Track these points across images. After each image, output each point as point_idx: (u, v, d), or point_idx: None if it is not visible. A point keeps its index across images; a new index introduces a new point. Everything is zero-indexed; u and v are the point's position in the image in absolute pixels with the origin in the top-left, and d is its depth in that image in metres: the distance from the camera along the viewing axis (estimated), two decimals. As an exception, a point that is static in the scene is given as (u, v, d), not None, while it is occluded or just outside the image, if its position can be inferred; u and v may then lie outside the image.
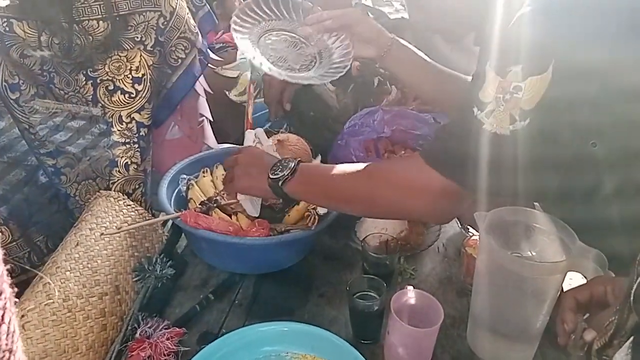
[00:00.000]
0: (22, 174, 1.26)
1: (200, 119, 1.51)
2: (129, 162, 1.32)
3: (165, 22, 1.27)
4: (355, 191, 0.90)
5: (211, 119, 1.54)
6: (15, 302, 0.87)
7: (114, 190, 1.29)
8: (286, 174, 0.93)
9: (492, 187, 0.76)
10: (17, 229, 1.25)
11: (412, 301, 0.90)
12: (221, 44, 1.87)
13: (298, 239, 1.03)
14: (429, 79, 1.12)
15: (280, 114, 1.36)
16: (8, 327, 0.34)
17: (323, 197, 0.97)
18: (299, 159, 0.97)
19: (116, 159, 1.30)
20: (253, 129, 1.21)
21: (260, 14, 1.18)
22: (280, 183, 0.93)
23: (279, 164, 0.96)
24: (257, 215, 1.05)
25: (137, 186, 1.34)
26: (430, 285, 1.09)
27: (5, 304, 0.34)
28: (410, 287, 0.92)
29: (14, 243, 1.25)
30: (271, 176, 0.95)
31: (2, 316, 0.33)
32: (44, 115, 1.23)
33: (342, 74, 1.11)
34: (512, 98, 0.71)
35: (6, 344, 0.34)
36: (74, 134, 1.28)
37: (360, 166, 0.91)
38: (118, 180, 1.31)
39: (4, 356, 0.34)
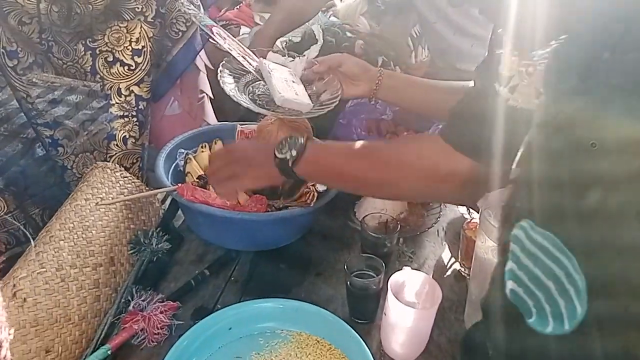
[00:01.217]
0: (18, 146, 1.24)
1: (201, 96, 1.49)
2: (127, 136, 1.30)
3: (167, -7, 1.25)
4: (375, 175, 0.85)
5: (212, 96, 1.52)
6: (8, 271, 0.86)
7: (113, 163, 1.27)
8: (296, 153, 0.86)
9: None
10: (12, 201, 1.24)
11: (411, 282, 0.89)
12: (224, 22, 1.85)
13: (296, 216, 1.01)
14: (419, 94, 1.11)
15: None
16: None
17: (338, 180, 0.91)
18: (307, 135, 0.91)
19: (114, 133, 1.28)
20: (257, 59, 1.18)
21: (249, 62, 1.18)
22: (290, 163, 0.86)
23: (285, 142, 0.87)
24: None
25: (134, 160, 1.33)
26: (428, 268, 1.08)
27: None
28: (407, 268, 0.91)
29: (10, 215, 1.24)
30: (278, 155, 0.87)
31: None
32: (42, 89, 1.21)
33: (330, 108, 1.09)
34: (536, 71, 0.67)
35: None
36: (72, 108, 1.26)
37: (377, 147, 0.87)
38: (116, 154, 1.30)
39: None
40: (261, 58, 1.17)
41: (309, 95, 1.12)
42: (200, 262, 1.05)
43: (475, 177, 0.77)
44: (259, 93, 1.13)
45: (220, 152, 0.99)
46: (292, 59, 1.21)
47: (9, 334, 0.37)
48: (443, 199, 0.94)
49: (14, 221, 1.25)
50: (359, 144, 0.88)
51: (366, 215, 1.07)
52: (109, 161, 1.28)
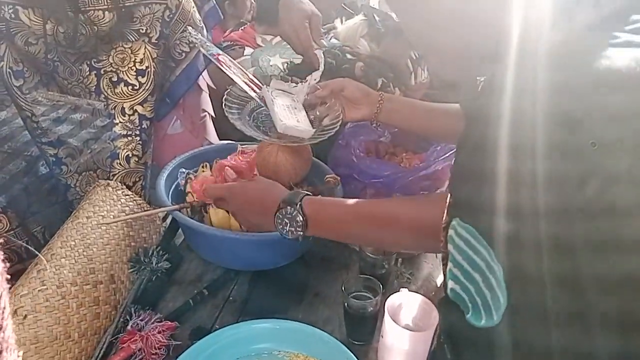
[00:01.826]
0: (22, 164, 1.26)
1: (203, 115, 1.51)
2: (130, 155, 1.32)
3: (171, 15, 1.27)
4: (383, 239, 0.88)
5: (214, 115, 1.54)
6: (10, 288, 0.87)
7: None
8: (300, 232, 0.88)
9: None
10: (15, 218, 1.25)
11: (408, 304, 0.89)
12: (229, 42, 1.87)
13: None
14: (419, 116, 1.14)
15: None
16: None
17: (343, 239, 0.98)
18: (298, 202, 0.87)
19: (117, 151, 1.30)
20: (261, 86, 1.20)
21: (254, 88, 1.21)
22: (299, 240, 0.89)
23: (281, 216, 0.88)
24: None
25: (137, 179, 1.34)
26: (426, 290, 1.08)
27: None
28: (404, 290, 0.91)
29: (12, 232, 1.25)
30: (283, 234, 0.89)
31: None
32: (46, 107, 1.23)
33: (331, 134, 1.12)
34: None
35: None
36: (76, 127, 1.27)
37: (380, 209, 0.87)
38: (119, 172, 1.31)
39: None
40: (265, 85, 1.20)
41: (311, 121, 1.15)
42: (199, 282, 1.06)
43: None
44: (263, 119, 1.16)
45: (218, 193, 0.99)
46: (295, 84, 1.23)
47: (18, 356, 0.38)
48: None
49: (15, 239, 1.26)
50: (363, 205, 0.89)
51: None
52: (111, 179, 1.29)
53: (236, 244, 1.00)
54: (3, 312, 0.34)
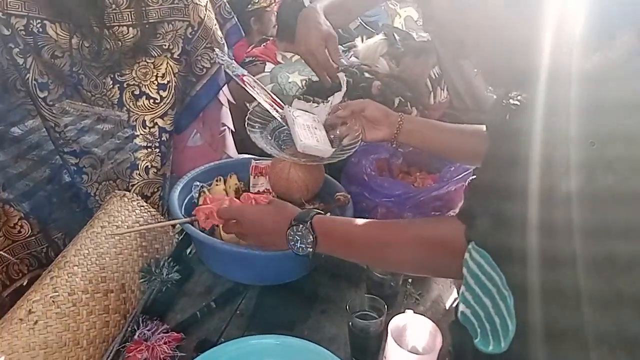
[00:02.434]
0: (46, 172, 1.31)
1: (222, 128, 1.53)
2: (150, 166, 1.35)
3: (193, 32, 1.31)
4: (389, 258, 0.89)
5: (233, 129, 1.56)
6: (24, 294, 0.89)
7: (133, 192, 1.32)
8: (310, 249, 0.91)
9: None
10: (37, 224, 1.29)
11: (412, 326, 0.89)
12: (251, 58, 1.91)
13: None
14: (438, 137, 1.14)
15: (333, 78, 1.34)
16: None
17: (355, 259, 0.99)
18: (309, 220, 0.90)
19: (137, 162, 1.33)
20: (283, 106, 1.23)
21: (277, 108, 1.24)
22: (309, 256, 0.92)
23: (292, 233, 0.91)
24: None
25: (155, 190, 1.37)
26: (434, 312, 1.07)
27: None
28: (410, 311, 0.91)
29: (33, 238, 1.29)
30: (294, 251, 0.92)
31: None
32: (73, 117, 1.27)
33: (350, 154, 1.15)
34: None
35: None
36: (101, 137, 1.32)
37: (390, 228, 0.89)
38: (138, 182, 1.35)
39: None
40: (287, 105, 1.22)
41: (331, 140, 1.17)
42: (208, 294, 1.07)
43: None
44: (284, 138, 1.19)
45: (230, 214, 1.00)
46: (316, 105, 1.26)
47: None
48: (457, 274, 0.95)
49: (37, 244, 1.30)
50: (373, 224, 0.90)
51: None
52: (130, 189, 1.33)
53: (245, 258, 1.01)
54: None
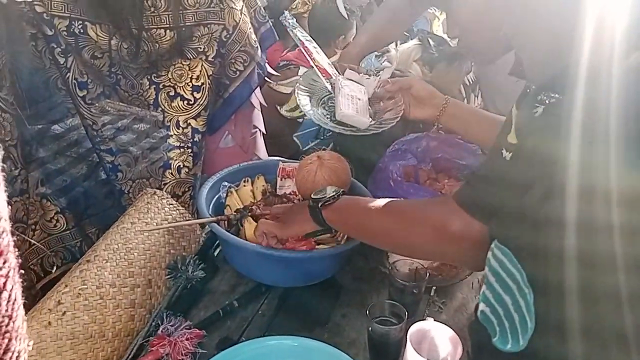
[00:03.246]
0: (84, 169, 1.35)
1: (254, 130, 1.55)
2: (182, 166, 1.38)
3: (228, 35, 1.33)
4: (389, 231, 0.89)
5: (264, 131, 1.58)
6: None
7: (165, 191, 1.35)
8: (327, 197, 0.94)
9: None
10: (72, 219, 1.34)
11: (432, 334, 0.88)
12: (285, 62, 1.93)
13: (327, 255, 1.03)
14: (482, 128, 1.13)
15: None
16: (10, 294, 0.35)
17: (356, 230, 0.97)
18: (343, 189, 0.98)
19: (170, 162, 1.37)
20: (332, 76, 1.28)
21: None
22: (319, 204, 0.94)
23: (323, 189, 0.97)
24: None
25: (186, 189, 1.40)
26: (457, 321, 1.06)
27: (8, 272, 0.35)
28: (430, 319, 0.90)
29: (68, 232, 1.34)
30: (313, 196, 0.96)
31: (5, 283, 0.35)
32: (113, 116, 1.31)
33: (385, 128, 1.19)
34: None
35: (6, 310, 0.35)
36: (136, 136, 1.35)
37: (395, 204, 0.90)
38: (170, 181, 1.38)
39: (2, 321, 0.35)
40: (338, 74, 1.28)
41: (374, 113, 1.23)
42: (232, 293, 1.08)
43: (485, 240, 0.73)
44: (330, 106, 1.25)
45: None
46: (368, 77, 1.30)
47: (28, 345, 0.41)
48: (454, 260, 0.96)
49: (71, 238, 1.35)
50: (383, 201, 0.90)
51: (397, 261, 1.07)
52: (162, 188, 1.36)
53: (269, 258, 1.02)
54: (14, 304, 0.37)
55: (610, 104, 0.48)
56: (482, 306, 0.62)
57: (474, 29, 0.76)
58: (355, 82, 1.28)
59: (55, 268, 1.32)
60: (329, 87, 1.26)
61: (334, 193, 0.95)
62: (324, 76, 1.28)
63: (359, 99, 1.22)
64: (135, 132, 1.36)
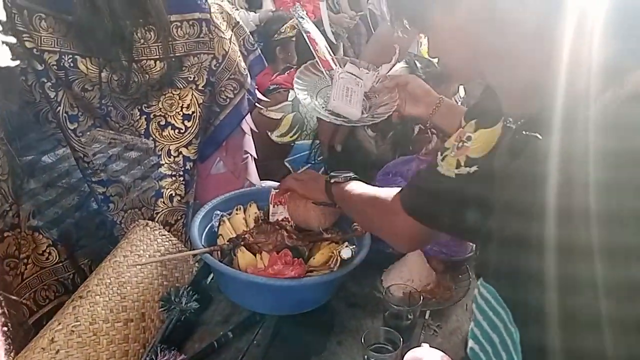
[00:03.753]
0: (75, 199, 1.35)
1: (245, 156, 1.56)
2: (174, 194, 1.38)
3: (217, 64, 1.35)
4: (362, 220, 1.08)
5: (256, 156, 1.59)
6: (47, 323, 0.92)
7: (157, 220, 1.35)
8: (339, 178, 1.08)
9: (448, 224, 0.84)
10: (64, 251, 1.33)
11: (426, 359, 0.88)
12: (275, 85, 1.94)
13: (319, 283, 1.03)
14: None
15: (326, 155, 1.41)
16: None
17: (348, 212, 1.10)
18: (356, 177, 1.09)
19: (162, 191, 1.37)
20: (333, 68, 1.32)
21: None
22: (332, 180, 1.08)
23: (338, 172, 1.10)
24: None
25: (179, 217, 1.40)
26: (453, 344, 1.06)
27: None
28: (425, 345, 0.90)
29: (60, 264, 1.33)
30: (329, 174, 1.10)
31: None
32: (102, 146, 1.31)
33: (376, 122, 1.24)
34: (463, 146, 0.78)
35: None
36: (127, 165, 1.35)
37: (368, 199, 1.00)
38: (162, 210, 1.38)
39: None
40: (337, 67, 1.32)
41: (369, 108, 1.28)
42: (226, 323, 1.08)
43: (424, 233, 0.88)
44: (328, 96, 1.29)
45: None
46: (367, 71, 1.34)
47: None
48: (390, 236, 1.02)
49: (64, 270, 1.34)
50: (368, 192, 1.02)
51: (391, 285, 1.07)
52: (155, 217, 1.36)
53: (262, 287, 1.02)
54: None
55: (587, 151, 0.48)
56: (471, 343, 0.62)
57: (451, 52, 0.79)
58: (354, 75, 1.32)
59: (48, 301, 1.31)
60: (329, 79, 1.31)
61: (348, 175, 1.08)
62: (324, 68, 1.32)
63: (355, 92, 1.26)
64: (127, 160, 1.36)
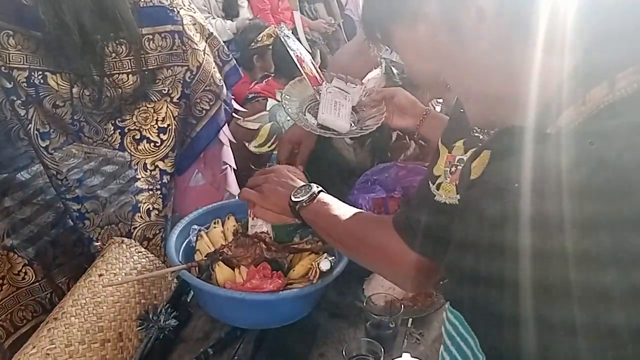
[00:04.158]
0: (51, 216, 1.32)
1: (224, 167, 1.55)
2: (151, 208, 1.36)
3: (192, 76, 1.33)
4: (345, 248, 0.99)
5: (235, 167, 1.58)
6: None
7: (135, 235, 1.34)
8: (305, 199, 1.00)
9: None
10: (41, 270, 1.31)
11: (407, 370, 0.87)
12: (254, 94, 1.94)
13: (296, 295, 1.02)
14: None
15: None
16: None
17: (325, 234, 1.03)
18: (321, 188, 1.03)
19: (139, 205, 1.35)
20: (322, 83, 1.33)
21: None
22: (297, 207, 1.00)
23: (302, 188, 1.03)
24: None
25: (157, 231, 1.38)
26: (436, 351, 1.05)
27: None
28: (407, 354, 0.89)
29: (37, 284, 1.30)
30: (292, 198, 1.02)
31: None
32: (76, 162, 1.29)
33: (364, 133, 1.25)
34: (457, 170, 0.77)
35: None
36: (103, 180, 1.33)
37: (349, 223, 0.95)
38: (140, 225, 1.36)
39: None
40: (325, 82, 1.33)
41: (357, 121, 1.29)
42: (206, 340, 1.07)
43: (420, 265, 0.82)
44: (316, 111, 1.30)
45: (264, 170, 1.17)
46: (354, 85, 1.35)
47: None
48: (394, 281, 0.99)
49: (41, 290, 1.31)
50: (346, 212, 0.97)
51: (372, 295, 1.06)
52: (132, 232, 1.34)
53: (241, 302, 1.00)
54: None
55: (544, 170, 0.46)
56: None
57: (418, 66, 0.79)
58: (341, 89, 1.33)
59: (25, 322, 1.29)
60: (317, 94, 1.31)
61: (313, 192, 1.01)
62: (312, 84, 1.33)
63: (342, 105, 1.28)
64: (103, 175, 1.34)
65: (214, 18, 3.23)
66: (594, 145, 0.44)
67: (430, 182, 0.82)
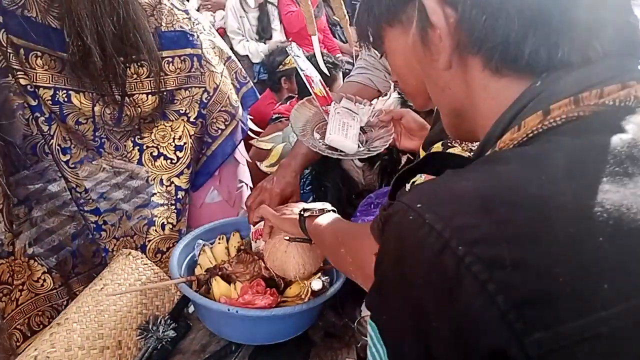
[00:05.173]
0: (73, 227, 1.39)
1: (240, 185, 1.59)
2: (165, 222, 1.42)
3: (209, 97, 1.39)
4: (335, 261, 0.97)
5: (252, 185, 1.62)
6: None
7: (150, 248, 1.39)
8: (314, 212, 1.01)
9: None
10: (59, 278, 1.37)
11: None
12: (278, 115, 1.98)
13: (286, 313, 1.03)
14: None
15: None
16: None
17: (321, 247, 1.03)
18: (333, 209, 1.03)
19: (154, 219, 1.40)
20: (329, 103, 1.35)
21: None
22: (304, 217, 1.01)
23: (316, 206, 1.04)
24: None
25: (171, 245, 1.43)
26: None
27: None
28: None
29: (55, 291, 1.37)
30: (304, 206, 1.04)
31: None
32: (96, 175, 1.36)
33: (371, 154, 1.26)
34: None
35: None
36: (122, 195, 1.40)
37: (338, 224, 0.96)
38: (154, 238, 1.41)
39: None
40: (334, 102, 1.35)
41: (365, 141, 1.30)
42: (203, 352, 1.09)
43: None
44: (322, 133, 1.32)
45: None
46: (363, 106, 1.37)
47: None
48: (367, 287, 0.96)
49: (58, 297, 1.38)
50: (340, 229, 0.95)
51: (366, 316, 1.06)
52: (147, 245, 1.40)
53: (235, 318, 1.03)
54: None
55: None
56: None
57: (405, 77, 0.80)
58: (349, 110, 1.35)
59: (42, 327, 1.35)
60: (325, 115, 1.33)
61: (322, 207, 1.02)
62: (320, 104, 1.35)
63: (350, 126, 1.29)
64: (121, 189, 1.40)
65: (247, 41, 3.35)
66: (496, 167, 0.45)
67: (406, 183, 0.82)
